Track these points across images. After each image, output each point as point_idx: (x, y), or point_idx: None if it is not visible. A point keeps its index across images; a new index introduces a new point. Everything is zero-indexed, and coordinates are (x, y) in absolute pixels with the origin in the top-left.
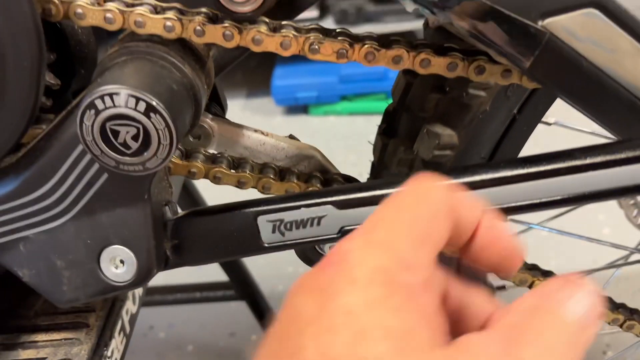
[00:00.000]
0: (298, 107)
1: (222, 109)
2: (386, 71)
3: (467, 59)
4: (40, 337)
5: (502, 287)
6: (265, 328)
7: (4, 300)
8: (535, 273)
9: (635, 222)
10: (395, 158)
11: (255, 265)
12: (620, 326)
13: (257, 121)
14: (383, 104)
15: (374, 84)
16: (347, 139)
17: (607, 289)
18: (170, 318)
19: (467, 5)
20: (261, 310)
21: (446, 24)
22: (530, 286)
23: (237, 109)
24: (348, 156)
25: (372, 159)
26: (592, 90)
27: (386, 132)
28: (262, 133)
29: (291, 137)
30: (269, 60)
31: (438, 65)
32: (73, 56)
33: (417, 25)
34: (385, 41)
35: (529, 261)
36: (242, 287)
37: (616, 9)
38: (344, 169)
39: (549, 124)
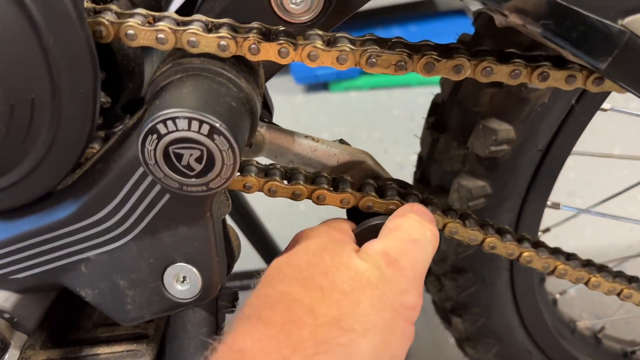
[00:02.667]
0: (318, 84)
1: (270, 113)
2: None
3: (530, 66)
4: (102, 349)
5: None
6: None
7: (62, 313)
8: (591, 269)
9: None
10: (448, 154)
11: None
12: None
13: (278, 100)
14: (405, 76)
15: None
16: (370, 115)
17: None
18: None
19: (541, 7)
20: None
21: (517, 25)
22: (586, 283)
23: None
24: (372, 133)
25: (418, 150)
26: None
27: (435, 126)
28: (313, 139)
29: (341, 141)
30: None
31: (501, 73)
32: (121, 71)
33: None
34: (444, 50)
35: (586, 254)
36: None
37: None
38: (369, 147)
39: (605, 110)
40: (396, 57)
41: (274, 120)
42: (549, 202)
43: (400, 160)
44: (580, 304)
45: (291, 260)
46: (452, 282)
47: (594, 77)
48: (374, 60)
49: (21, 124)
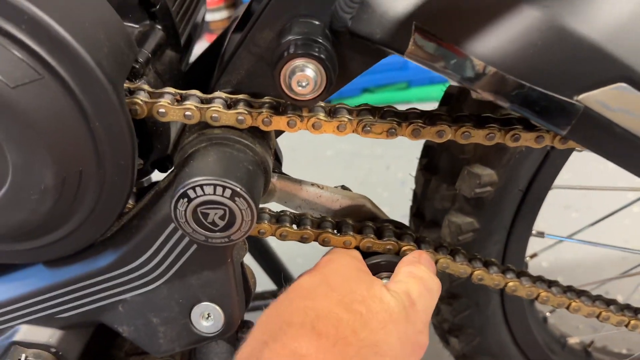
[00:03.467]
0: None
1: (280, 162)
2: (406, 60)
3: (504, 129)
4: None
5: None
6: None
7: (97, 344)
8: (572, 295)
9: None
10: (438, 194)
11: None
12: None
13: None
14: (405, 93)
15: (394, 74)
16: None
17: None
18: None
19: (507, 87)
20: None
21: (489, 99)
22: (567, 308)
23: None
24: (374, 149)
25: (413, 187)
26: (626, 150)
27: (428, 168)
28: (319, 186)
29: (343, 187)
30: None
31: (478, 136)
32: (151, 136)
33: None
34: (429, 117)
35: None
36: None
37: None
38: (371, 163)
39: (580, 151)
40: (387, 125)
41: (283, 144)
42: (534, 232)
43: (402, 177)
44: (575, 316)
45: (328, 281)
46: (448, 306)
47: (560, 137)
48: (368, 128)
49: (70, 191)
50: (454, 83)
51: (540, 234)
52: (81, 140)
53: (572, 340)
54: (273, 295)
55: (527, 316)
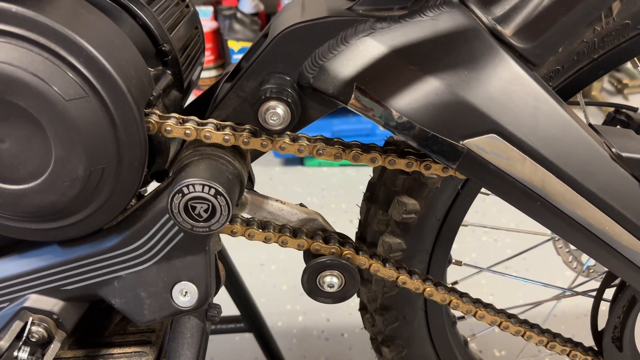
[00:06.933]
0: (295, 159)
1: (252, 183)
2: (374, 127)
3: (419, 160)
4: (116, 350)
5: (462, 318)
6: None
7: (84, 325)
8: (503, 316)
9: (571, 266)
10: (376, 219)
11: (258, 303)
12: (568, 355)
13: (259, 171)
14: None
15: (362, 139)
16: (339, 188)
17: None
18: None
19: (415, 131)
20: (266, 342)
21: (403, 139)
22: (475, 315)
23: None
24: (340, 204)
25: (359, 217)
26: (498, 182)
27: (369, 199)
28: (281, 202)
29: (301, 205)
30: None
31: (400, 164)
32: (155, 151)
33: None
34: (366, 147)
35: (488, 300)
36: (251, 320)
37: (507, 132)
38: (336, 215)
39: (488, 194)
40: (335, 150)
41: (255, 187)
42: (453, 260)
43: None
44: (494, 343)
45: None
46: (381, 317)
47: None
48: (320, 152)
49: (93, 183)
50: (380, 127)
51: (459, 263)
52: (109, 144)
53: None
54: (236, 320)
55: (449, 336)
